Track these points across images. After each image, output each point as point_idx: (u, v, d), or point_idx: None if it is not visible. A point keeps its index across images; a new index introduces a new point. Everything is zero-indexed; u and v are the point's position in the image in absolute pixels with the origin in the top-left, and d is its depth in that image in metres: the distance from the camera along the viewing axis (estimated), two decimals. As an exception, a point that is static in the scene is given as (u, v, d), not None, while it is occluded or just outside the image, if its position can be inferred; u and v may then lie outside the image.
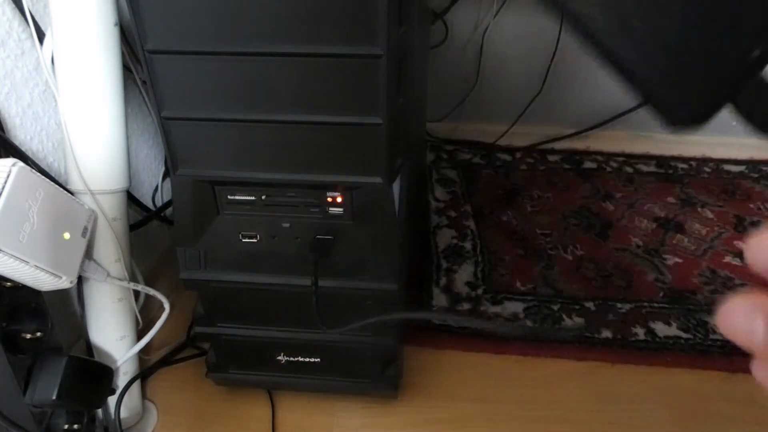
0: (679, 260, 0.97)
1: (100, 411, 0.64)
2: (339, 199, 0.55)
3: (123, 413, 0.67)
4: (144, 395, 0.73)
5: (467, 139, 1.35)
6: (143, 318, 0.71)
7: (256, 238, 0.57)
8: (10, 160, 0.45)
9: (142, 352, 0.71)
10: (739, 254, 0.98)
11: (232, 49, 0.45)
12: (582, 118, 1.30)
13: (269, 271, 0.59)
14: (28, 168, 0.46)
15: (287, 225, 0.56)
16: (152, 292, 0.66)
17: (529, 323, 0.81)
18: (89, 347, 0.65)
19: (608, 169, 1.24)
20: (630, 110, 1.25)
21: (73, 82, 0.56)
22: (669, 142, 1.28)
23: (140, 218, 0.76)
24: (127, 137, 0.63)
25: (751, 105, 0.20)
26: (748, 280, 0.92)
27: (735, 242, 1.01)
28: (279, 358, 0.68)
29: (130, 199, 0.69)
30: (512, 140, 1.32)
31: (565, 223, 1.07)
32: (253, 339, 0.66)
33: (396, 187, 0.54)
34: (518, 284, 0.92)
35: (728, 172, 1.22)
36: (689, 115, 0.20)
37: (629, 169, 1.24)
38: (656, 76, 0.19)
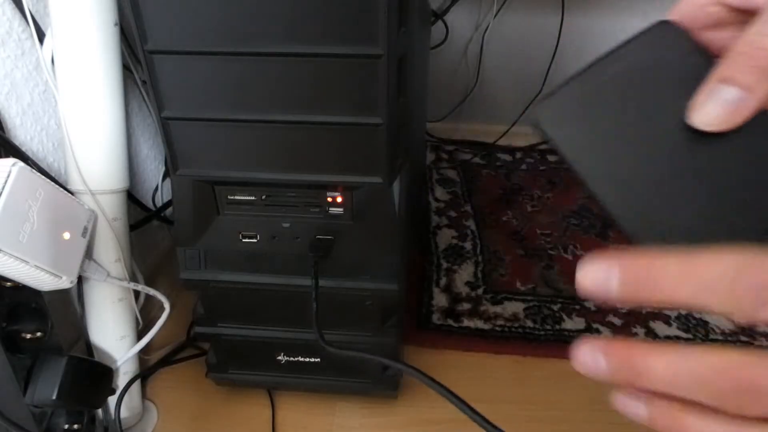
0: (679, 260, 0.97)
1: (100, 411, 0.64)
2: (339, 199, 0.55)
3: (123, 413, 0.67)
4: (144, 395, 0.73)
5: (467, 139, 1.35)
6: (143, 318, 0.71)
7: (256, 238, 0.57)
8: (11, 160, 0.45)
9: (142, 352, 0.71)
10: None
11: (232, 49, 0.45)
12: (582, 118, 1.31)
13: (269, 271, 0.59)
14: (29, 168, 0.46)
15: (287, 225, 0.56)
16: (152, 292, 0.66)
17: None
18: (89, 347, 0.65)
19: (608, 169, 1.24)
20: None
21: (73, 82, 0.56)
22: (669, 142, 1.28)
23: (140, 218, 0.76)
24: (127, 137, 0.63)
25: None
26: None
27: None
28: (279, 358, 0.68)
29: (130, 199, 0.69)
30: (512, 140, 1.32)
31: (565, 223, 1.07)
32: (253, 339, 0.66)
33: (396, 187, 0.54)
34: (518, 284, 0.92)
35: (728, 172, 1.22)
36: None
37: (629, 169, 1.24)
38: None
